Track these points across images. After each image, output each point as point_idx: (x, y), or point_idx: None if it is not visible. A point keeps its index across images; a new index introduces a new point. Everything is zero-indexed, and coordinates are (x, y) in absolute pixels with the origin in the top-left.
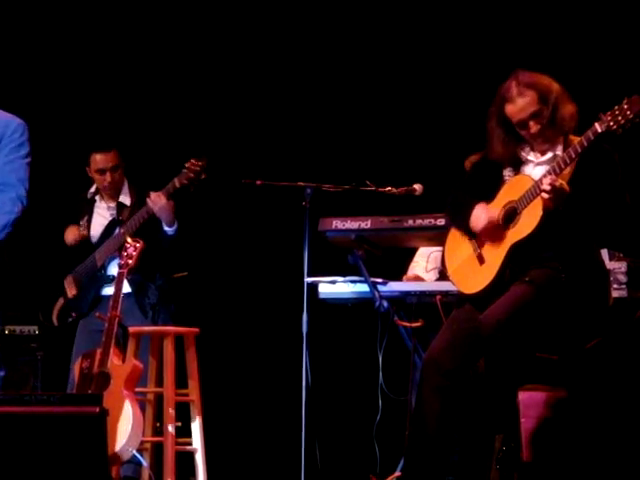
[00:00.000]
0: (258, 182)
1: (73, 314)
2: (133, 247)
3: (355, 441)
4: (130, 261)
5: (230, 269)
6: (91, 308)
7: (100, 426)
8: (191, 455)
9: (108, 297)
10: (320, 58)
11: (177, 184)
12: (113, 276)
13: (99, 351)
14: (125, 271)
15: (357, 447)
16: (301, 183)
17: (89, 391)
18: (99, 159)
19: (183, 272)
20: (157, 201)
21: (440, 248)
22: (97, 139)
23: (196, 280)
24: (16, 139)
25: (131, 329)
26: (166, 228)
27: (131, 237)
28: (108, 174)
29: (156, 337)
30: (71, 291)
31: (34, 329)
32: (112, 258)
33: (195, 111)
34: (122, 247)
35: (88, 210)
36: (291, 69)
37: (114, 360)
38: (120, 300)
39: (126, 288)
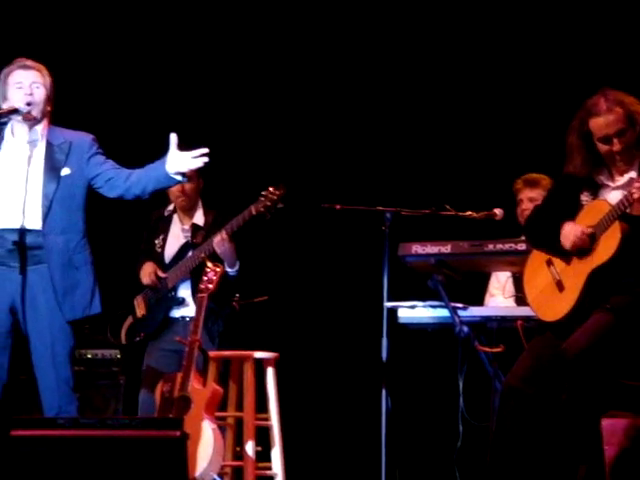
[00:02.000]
0: (337, 207)
1: (141, 334)
2: (213, 272)
3: (436, 467)
4: (210, 285)
5: (310, 294)
6: (160, 330)
7: (181, 450)
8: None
9: (176, 319)
10: (397, 85)
11: (253, 211)
12: (183, 299)
13: (180, 375)
14: (206, 295)
15: (438, 473)
16: (380, 208)
17: (170, 415)
18: None
19: (263, 296)
20: (221, 244)
21: (509, 273)
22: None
23: (276, 304)
24: (97, 149)
25: (211, 353)
26: (228, 269)
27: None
28: (181, 185)
29: (236, 361)
30: (140, 311)
31: (116, 353)
32: (183, 280)
33: (275, 136)
34: (194, 271)
35: (164, 229)
36: (371, 96)
37: (194, 384)
38: (201, 325)
39: (193, 312)
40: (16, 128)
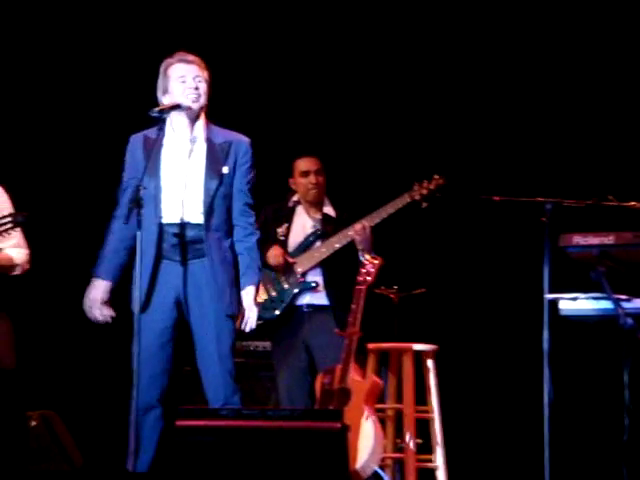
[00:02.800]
0: (496, 198)
1: (261, 320)
2: (372, 264)
3: (601, 462)
4: (369, 278)
5: (468, 285)
6: (286, 319)
7: (341, 442)
8: (433, 472)
9: (301, 307)
10: (558, 74)
11: (408, 199)
12: (315, 285)
13: (339, 367)
14: (364, 288)
15: (603, 468)
16: (541, 198)
17: (330, 407)
18: (303, 161)
19: (422, 289)
20: (361, 232)
21: None
22: (301, 148)
23: (435, 297)
24: (249, 158)
25: (370, 345)
26: (361, 258)
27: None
28: (312, 175)
29: (395, 354)
30: (261, 295)
31: None
32: (313, 269)
33: (432, 127)
34: (327, 259)
35: (287, 218)
36: (531, 85)
37: (354, 376)
38: (359, 317)
39: (322, 300)
40: (176, 123)
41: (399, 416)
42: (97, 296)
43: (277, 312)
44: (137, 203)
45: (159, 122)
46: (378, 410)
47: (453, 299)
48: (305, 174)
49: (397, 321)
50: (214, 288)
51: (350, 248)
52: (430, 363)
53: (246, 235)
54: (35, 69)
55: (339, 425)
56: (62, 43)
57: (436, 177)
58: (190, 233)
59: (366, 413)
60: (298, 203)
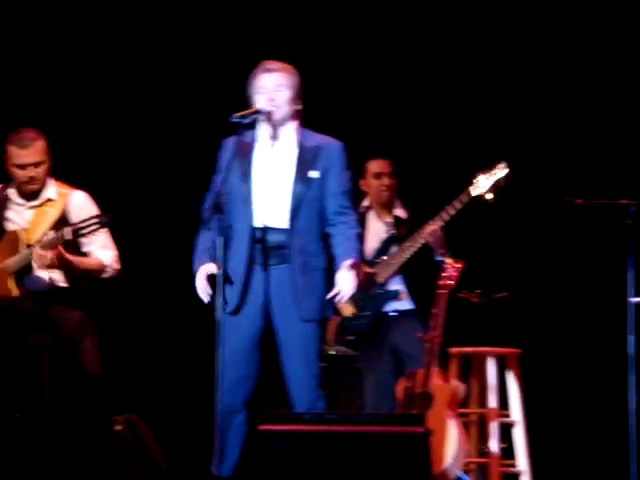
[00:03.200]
0: (579, 201)
1: (353, 334)
2: (454, 268)
3: None
4: (450, 282)
5: (551, 289)
6: (374, 326)
7: (424, 446)
8: (517, 477)
9: (387, 314)
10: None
11: (472, 193)
12: (397, 292)
13: (421, 371)
14: (446, 292)
15: None
16: (624, 201)
17: (413, 411)
18: (376, 163)
19: (504, 292)
20: (432, 234)
21: None
22: (373, 149)
23: (518, 300)
24: (343, 162)
25: (453, 349)
26: (438, 258)
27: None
28: (385, 178)
29: (477, 358)
30: (349, 309)
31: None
32: (394, 275)
33: (515, 130)
34: (406, 264)
35: (360, 226)
36: (609, 86)
37: (436, 380)
38: (441, 320)
39: (407, 305)
40: (267, 130)
41: (482, 420)
42: (201, 284)
43: (366, 325)
44: (217, 209)
45: (250, 127)
46: (461, 415)
47: (536, 303)
48: (378, 176)
49: (480, 325)
50: (295, 293)
51: (425, 250)
52: (513, 367)
53: (346, 229)
54: (123, 74)
55: (422, 429)
56: (150, 49)
57: (496, 165)
58: (275, 238)
59: (449, 417)
60: (369, 208)
